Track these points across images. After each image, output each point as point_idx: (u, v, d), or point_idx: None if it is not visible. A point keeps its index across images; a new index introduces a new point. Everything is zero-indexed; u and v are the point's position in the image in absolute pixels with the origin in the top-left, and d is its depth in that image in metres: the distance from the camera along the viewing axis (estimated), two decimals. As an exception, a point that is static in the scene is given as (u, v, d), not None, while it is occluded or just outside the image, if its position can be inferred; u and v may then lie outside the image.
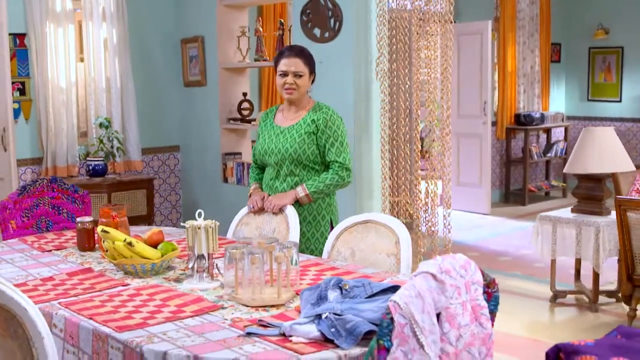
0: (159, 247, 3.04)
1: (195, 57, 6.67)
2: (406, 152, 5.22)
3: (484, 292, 2.22)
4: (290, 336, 2.22)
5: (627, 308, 4.90)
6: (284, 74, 3.72)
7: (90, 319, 2.44)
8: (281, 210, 3.67)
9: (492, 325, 2.28)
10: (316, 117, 3.72)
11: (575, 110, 10.48)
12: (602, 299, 5.39)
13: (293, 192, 3.69)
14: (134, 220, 5.88)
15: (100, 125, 6.11)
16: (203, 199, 6.73)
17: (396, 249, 3.08)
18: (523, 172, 9.61)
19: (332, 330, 2.17)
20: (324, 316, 2.22)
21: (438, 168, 5.22)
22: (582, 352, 1.71)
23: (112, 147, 6.14)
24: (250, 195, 3.85)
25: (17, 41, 5.94)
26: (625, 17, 9.84)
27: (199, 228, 2.81)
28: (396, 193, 5.30)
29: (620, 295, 5.19)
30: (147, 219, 6.33)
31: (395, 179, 5.27)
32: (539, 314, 5.32)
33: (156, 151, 6.88)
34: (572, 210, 5.43)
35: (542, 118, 9.61)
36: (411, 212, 5.27)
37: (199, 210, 2.86)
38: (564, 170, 5.55)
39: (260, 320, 2.37)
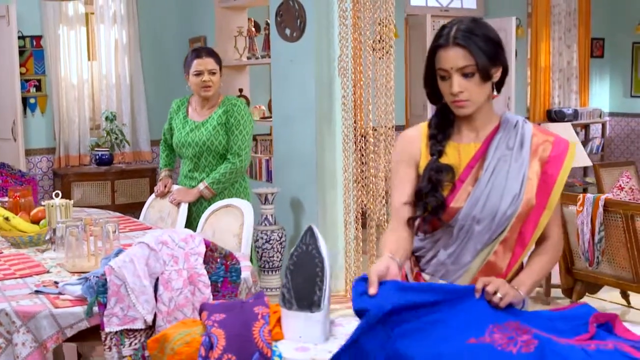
0: (41, 223, 3.53)
1: (200, 55, 7.17)
2: (361, 146, 5.50)
3: (222, 265, 2.56)
4: (63, 294, 2.64)
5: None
6: (200, 73, 4.11)
7: (-63, 277, 2.96)
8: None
9: (236, 293, 2.62)
10: (226, 108, 4.10)
11: (619, 106, 10.24)
12: (555, 292, 5.46)
13: (196, 189, 4.07)
14: (137, 206, 6.45)
15: (107, 118, 6.75)
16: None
17: (240, 230, 3.43)
18: (555, 168, 9.51)
19: (90, 290, 2.57)
20: (90, 279, 2.62)
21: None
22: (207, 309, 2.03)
23: (116, 138, 6.75)
24: (160, 181, 4.30)
25: (34, 42, 6.65)
26: (670, 10, 9.58)
27: (52, 206, 3.28)
28: (354, 184, 5.57)
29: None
30: (150, 205, 6.88)
31: (357, 171, 5.55)
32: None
33: (167, 143, 7.44)
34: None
35: (576, 114, 9.48)
36: (365, 202, 5.55)
37: (56, 191, 3.33)
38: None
39: (55, 282, 2.80)
